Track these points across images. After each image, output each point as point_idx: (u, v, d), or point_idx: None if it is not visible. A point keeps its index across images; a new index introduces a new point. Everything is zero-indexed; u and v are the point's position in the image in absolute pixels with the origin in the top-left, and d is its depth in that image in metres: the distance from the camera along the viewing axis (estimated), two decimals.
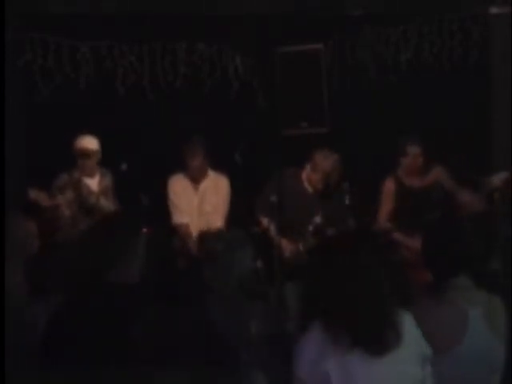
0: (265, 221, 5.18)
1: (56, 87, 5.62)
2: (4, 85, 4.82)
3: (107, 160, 5.21)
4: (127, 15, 5.61)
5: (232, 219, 5.38)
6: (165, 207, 5.43)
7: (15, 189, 4.88)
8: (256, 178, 5.39)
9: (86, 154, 5.04)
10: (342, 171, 5.09)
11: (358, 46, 6.14)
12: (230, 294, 2.91)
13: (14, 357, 2.64)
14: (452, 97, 5.67)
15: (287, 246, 5.09)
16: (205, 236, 3.31)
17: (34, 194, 4.71)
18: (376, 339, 2.24)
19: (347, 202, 4.85)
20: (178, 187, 5.40)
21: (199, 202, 5.39)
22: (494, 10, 5.68)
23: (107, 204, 5.09)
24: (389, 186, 5.17)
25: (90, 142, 5.08)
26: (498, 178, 4.66)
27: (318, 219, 5.05)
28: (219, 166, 5.39)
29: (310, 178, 5.18)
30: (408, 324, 2.34)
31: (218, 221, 5.29)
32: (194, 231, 5.25)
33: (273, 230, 4.99)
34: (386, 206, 5.18)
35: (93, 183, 5.16)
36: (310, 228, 5.04)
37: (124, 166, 5.08)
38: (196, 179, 5.36)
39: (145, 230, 2.75)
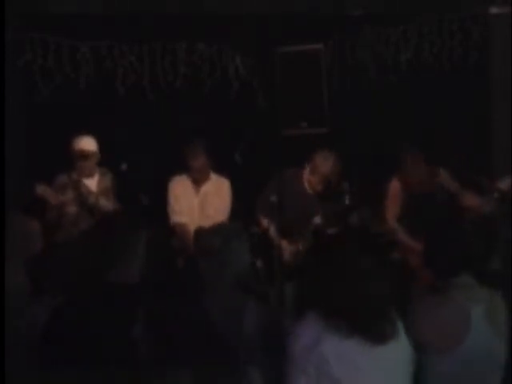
0: (265, 221, 5.17)
1: (56, 87, 5.62)
2: (4, 85, 4.82)
3: (107, 160, 5.20)
4: (127, 15, 5.61)
5: (232, 219, 5.38)
6: (165, 207, 5.42)
7: (15, 189, 4.88)
8: (256, 178, 5.38)
9: (84, 155, 5.00)
10: (342, 171, 5.09)
11: (358, 46, 6.14)
12: (228, 290, 2.90)
13: (13, 357, 2.64)
14: (452, 97, 5.66)
15: (287, 247, 5.09)
16: (200, 232, 3.28)
17: (42, 190, 4.68)
18: (374, 328, 2.32)
19: (347, 202, 4.85)
20: (179, 190, 5.39)
21: (200, 205, 5.38)
22: (493, 10, 5.68)
23: (107, 204, 5.07)
24: (395, 186, 5.12)
25: (87, 144, 5.04)
26: (504, 183, 4.63)
27: (318, 219, 5.05)
28: (219, 166, 5.39)
29: (309, 179, 5.18)
30: (400, 326, 2.40)
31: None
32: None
33: (273, 230, 4.98)
34: (394, 206, 5.11)
35: (92, 183, 5.14)
36: (311, 228, 5.04)
37: (124, 166, 5.07)
38: (198, 181, 5.35)
39: (145, 230, 2.75)
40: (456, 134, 5.61)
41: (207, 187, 5.39)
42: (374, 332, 2.31)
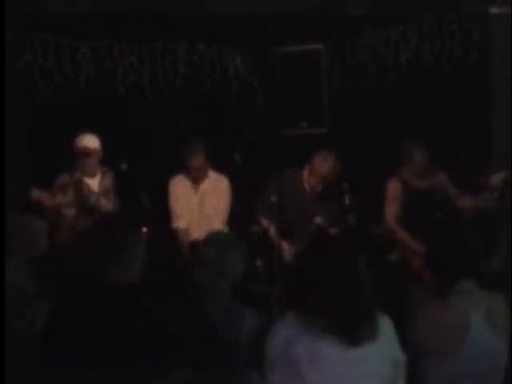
0: (265, 221, 5.17)
1: (56, 87, 5.62)
2: (4, 85, 4.83)
3: (107, 160, 5.20)
4: (127, 15, 5.61)
5: (232, 219, 5.38)
6: (165, 207, 5.43)
7: (15, 189, 4.88)
8: (256, 178, 5.38)
9: (86, 152, 5.00)
10: (342, 171, 5.08)
11: (358, 46, 6.14)
12: (225, 296, 2.90)
13: (13, 357, 2.64)
14: (452, 97, 5.66)
15: (287, 247, 5.09)
16: (195, 244, 3.29)
17: (37, 195, 4.69)
18: (348, 328, 2.28)
19: (347, 202, 4.85)
20: (179, 190, 5.40)
21: (199, 203, 5.39)
22: (494, 10, 5.68)
23: (108, 204, 5.07)
24: (394, 186, 5.12)
25: (90, 141, 5.05)
26: (497, 178, 4.65)
27: (318, 219, 5.05)
28: (219, 166, 5.39)
29: (309, 179, 5.18)
30: (386, 326, 2.38)
31: (218, 222, 5.29)
32: (195, 232, 5.26)
33: (273, 230, 4.98)
34: (393, 206, 5.11)
35: (94, 183, 5.14)
36: (311, 228, 5.04)
37: (124, 166, 5.07)
38: (196, 180, 5.36)
39: (145, 229, 2.75)
40: (456, 134, 5.61)
41: (205, 185, 5.39)
42: (349, 333, 2.27)
